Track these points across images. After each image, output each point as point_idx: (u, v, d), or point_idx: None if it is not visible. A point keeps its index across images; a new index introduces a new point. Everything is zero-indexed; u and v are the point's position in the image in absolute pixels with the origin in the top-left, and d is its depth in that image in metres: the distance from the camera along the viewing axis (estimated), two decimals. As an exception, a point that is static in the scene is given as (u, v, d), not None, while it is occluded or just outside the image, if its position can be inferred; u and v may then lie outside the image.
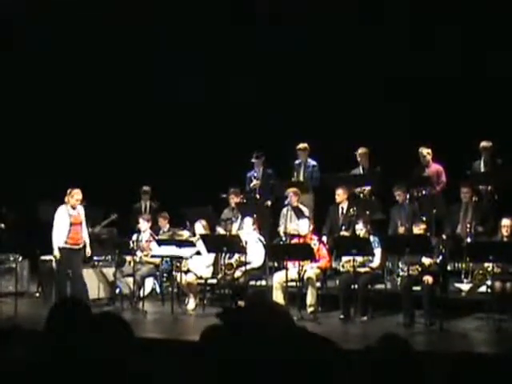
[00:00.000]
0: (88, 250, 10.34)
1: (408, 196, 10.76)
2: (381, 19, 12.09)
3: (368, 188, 11.30)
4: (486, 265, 8.91)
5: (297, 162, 11.94)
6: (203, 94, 13.07)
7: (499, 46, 11.42)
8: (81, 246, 10.22)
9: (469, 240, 10.09)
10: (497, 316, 8.52)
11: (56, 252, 10.10)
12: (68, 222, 10.13)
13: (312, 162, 11.86)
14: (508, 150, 10.53)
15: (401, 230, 10.40)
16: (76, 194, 10.15)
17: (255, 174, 12.09)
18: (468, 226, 10.30)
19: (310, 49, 12.51)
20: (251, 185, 12.02)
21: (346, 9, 12.29)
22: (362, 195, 11.35)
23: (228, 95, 12.89)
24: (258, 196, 11.88)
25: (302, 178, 11.80)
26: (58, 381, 2.72)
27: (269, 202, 11.77)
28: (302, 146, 11.88)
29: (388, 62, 12.04)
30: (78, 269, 10.23)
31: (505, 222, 9.15)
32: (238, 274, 9.94)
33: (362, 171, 11.56)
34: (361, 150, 11.56)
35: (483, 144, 10.86)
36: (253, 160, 12.06)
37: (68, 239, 10.11)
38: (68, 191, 10.17)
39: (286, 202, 11.14)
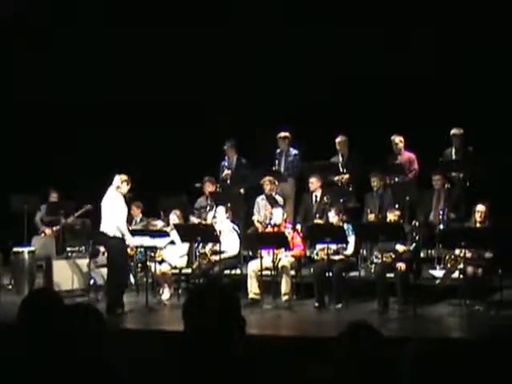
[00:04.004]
0: None
1: (382, 183, 10.85)
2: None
3: (346, 176, 11.35)
4: (457, 251, 8.99)
5: (278, 150, 11.95)
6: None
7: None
8: None
9: (441, 227, 10.18)
10: (469, 301, 8.63)
11: (132, 240, 9.56)
12: (126, 210, 9.52)
13: (293, 151, 11.87)
14: (479, 137, 10.62)
15: (371, 217, 10.46)
16: (130, 182, 9.47)
17: (226, 164, 12.09)
18: (440, 212, 10.39)
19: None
20: (223, 174, 12.02)
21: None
22: (340, 183, 11.38)
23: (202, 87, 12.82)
24: (229, 185, 11.88)
25: (282, 167, 11.82)
26: (32, 375, 2.71)
27: (241, 190, 11.78)
28: (282, 134, 11.87)
29: (363, 61, 12.06)
30: None
31: (479, 207, 9.18)
32: (213, 258, 9.94)
33: (341, 159, 11.61)
34: (340, 139, 11.60)
35: (454, 131, 10.93)
36: (224, 148, 12.06)
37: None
38: (123, 177, 9.41)
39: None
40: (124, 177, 9.46)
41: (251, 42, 12.44)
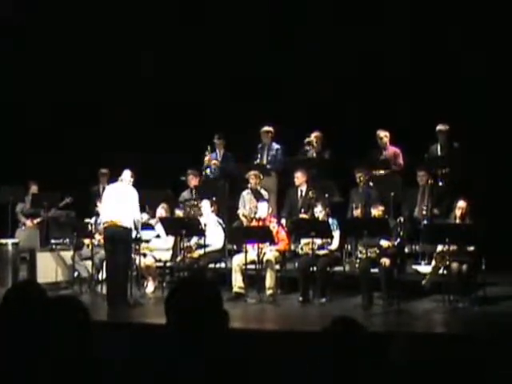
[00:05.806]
0: None
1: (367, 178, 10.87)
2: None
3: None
4: (439, 248, 9.01)
5: (260, 145, 11.96)
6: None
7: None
8: None
9: (425, 222, 10.20)
10: (452, 297, 8.66)
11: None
12: None
13: (276, 146, 11.89)
14: (464, 133, 10.65)
15: (356, 212, 10.47)
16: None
17: (213, 156, 12.11)
18: (424, 208, 10.42)
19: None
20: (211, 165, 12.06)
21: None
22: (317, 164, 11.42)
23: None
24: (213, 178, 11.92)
25: (265, 161, 11.83)
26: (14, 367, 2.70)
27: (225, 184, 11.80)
28: (265, 129, 11.89)
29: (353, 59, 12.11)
30: None
31: (460, 203, 9.17)
32: (197, 253, 9.91)
33: (314, 154, 11.61)
34: (315, 134, 11.62)
35: (439, 127, 10.93)
36: (214, 141, 12.08)
37: None
38: (131, 172, 9.60)
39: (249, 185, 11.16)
40: (131, 172, 9.58)
41: (251, 42, 12.47)
